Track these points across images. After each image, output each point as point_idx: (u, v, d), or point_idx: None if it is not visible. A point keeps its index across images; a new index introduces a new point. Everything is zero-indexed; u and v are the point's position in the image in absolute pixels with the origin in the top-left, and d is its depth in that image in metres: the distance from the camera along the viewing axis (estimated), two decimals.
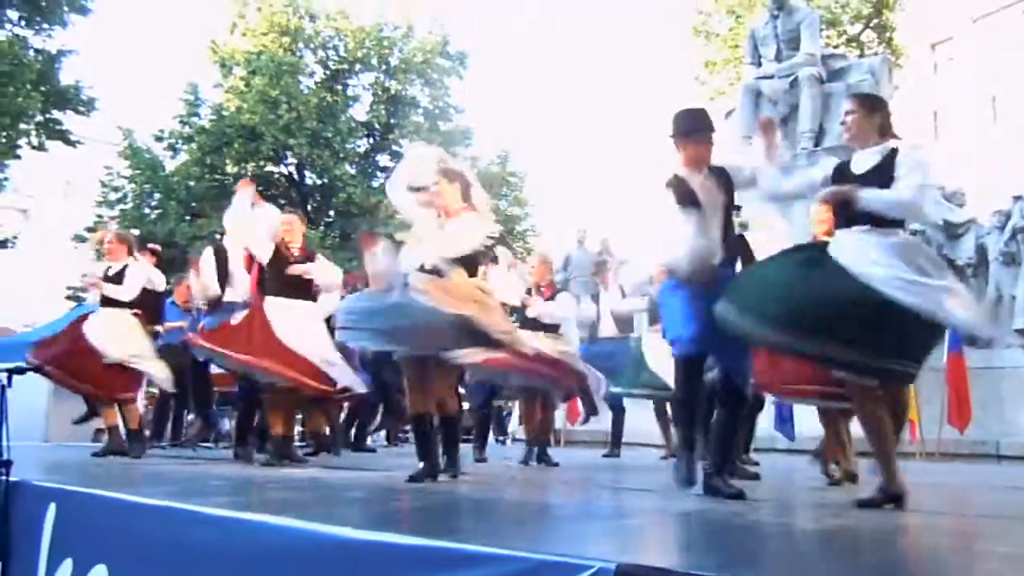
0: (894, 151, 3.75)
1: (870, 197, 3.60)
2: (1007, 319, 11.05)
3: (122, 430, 7.10)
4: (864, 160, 3.81)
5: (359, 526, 2.57)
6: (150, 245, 8.99)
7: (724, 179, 4.22)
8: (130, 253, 7.19)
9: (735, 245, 4.35)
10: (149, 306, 7.39)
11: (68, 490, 3.85)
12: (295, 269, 6.14)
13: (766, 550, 2.76)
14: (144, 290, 7.18)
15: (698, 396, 4.23)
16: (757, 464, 6.36)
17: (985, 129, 32.71)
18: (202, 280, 7.03)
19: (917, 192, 3.60)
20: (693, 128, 4.27)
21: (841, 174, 3.85)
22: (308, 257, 6.30)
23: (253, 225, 6.39)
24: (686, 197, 4.13)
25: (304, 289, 6.19)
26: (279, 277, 6.15)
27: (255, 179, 22.40)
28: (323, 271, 6.30)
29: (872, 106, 3.92)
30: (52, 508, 3.72)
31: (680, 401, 4.34)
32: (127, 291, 6.88)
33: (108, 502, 3.56)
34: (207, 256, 7.02)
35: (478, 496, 4.25)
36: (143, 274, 7.10)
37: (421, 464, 4.69)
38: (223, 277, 6.87)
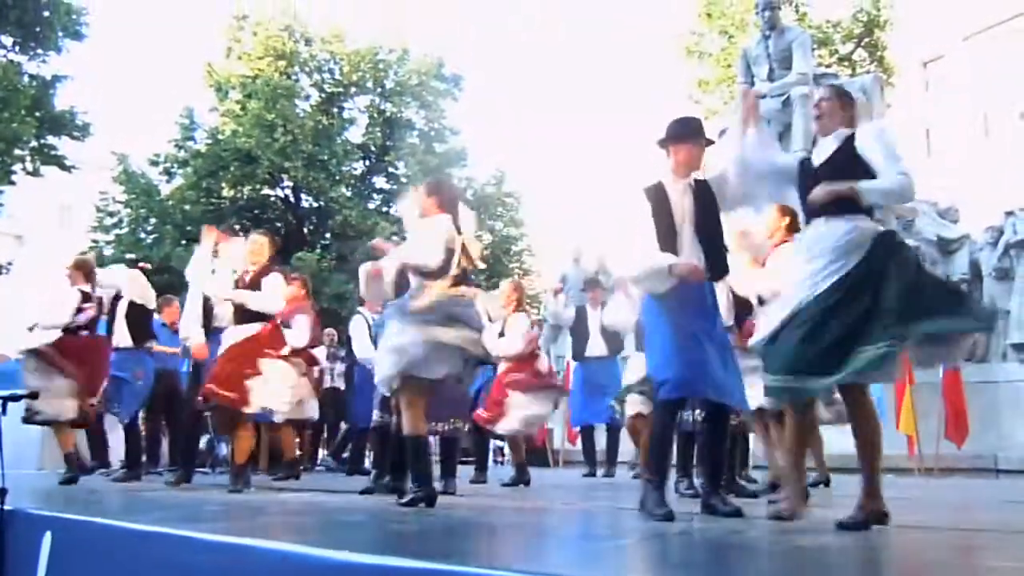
0: (851, 136, 3.76)
1: (868, 188, 3.58)
2: (1002, 334, 11.10)
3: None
4: (822, 149, 3.86)
5: (358, 549, 2.56)
6: (140, 264, 9.00)
7: (708, 193, 4.13)
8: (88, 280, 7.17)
9: (718, 263, 4.16)
10: (139, 323, 7.41)
11: (63, 518, 3.83)
12: (225, 296, 6.28)
13: (764, 568, 2.76)
14: (132, 304, 7.26)
15: (671, 435, 4.18)
16: (755, 482, 6.35)
17: (977, 146, 32.90)
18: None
19: (907, 177, 3.58)
20: (684, 132, 4.20)
21: (803, 168, 3.90)
22: (257, 279, 6.22)
23: (209, 272, 6.53)
24: (659, 206, 4.07)
25: (258, 314, 6.19)
26: (237, 308, 6.23)
27: (251, 202, 22.54)
28: (256, 299, 6.19)
29: (845, 99, 3.92)
30: (48, 536, 3.70)
31: (657, 439, 4.11)
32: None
33: (103, 529, 3.54)
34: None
35: (476, 518, 4.23)
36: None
37: (417, 487, 4.58)
38: (208, 305, 6.86)
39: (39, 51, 17.79)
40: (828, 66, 21.47)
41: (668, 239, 4.02)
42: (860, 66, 23.66)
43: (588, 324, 8.56)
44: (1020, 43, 32.35)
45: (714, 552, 2.99)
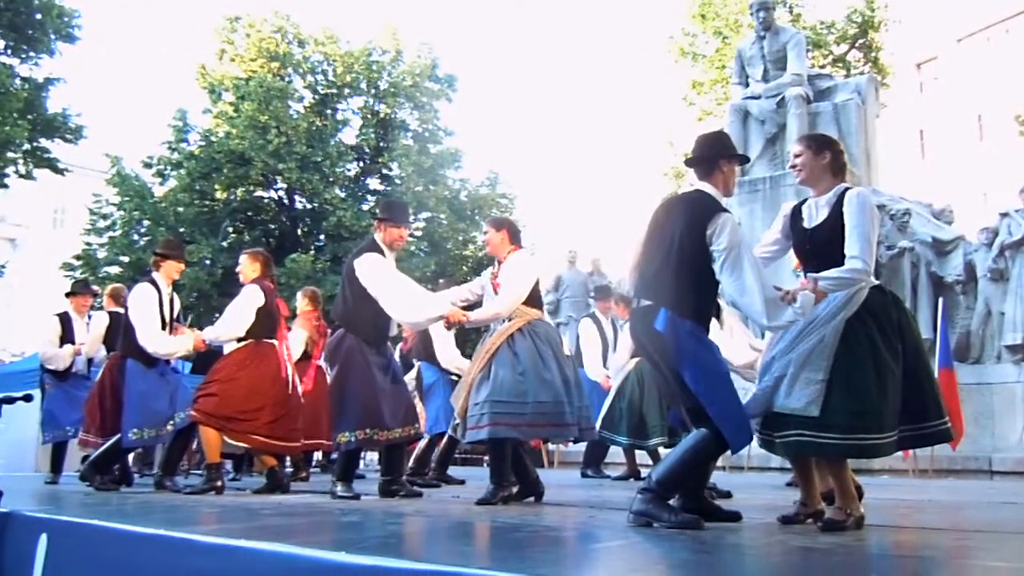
0: (840, 200, 3.71)
1: (826, 284, 3.59)
2: (996, 335, 11.12)
3: None
4: (815, 211, 3.82)
5: (355, 551, 2.55)
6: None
7: (699, 217, 3.72)
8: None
9: (671, 292, 3.72)
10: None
11: (59, 520, 3.82)
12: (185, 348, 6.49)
13: (759, 569, 2.75)
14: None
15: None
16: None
17: (971, 147, 33.00)
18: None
19: (858, 262, 3.57)
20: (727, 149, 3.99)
21: (794, 221, 3.89)
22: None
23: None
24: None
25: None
26: None
27: (244, 204, 22.53)
28: (213, 333, 6.47)
29: (820, 146, 3.85)
30: (44, 539, 3.68)
31: (700, 464, 3.82)
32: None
33: (100, 531, 3.53)
34: None
35: (472, 519, 4.22)
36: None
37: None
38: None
39: (31, 54, 17.78)
40: (822, 67, 21.55)
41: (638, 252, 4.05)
42: (854, 67, 23.74)
43: (604, 334, 8.36)
44: (1014, 45, 32.48)
45: (708, 553, 2.99)
